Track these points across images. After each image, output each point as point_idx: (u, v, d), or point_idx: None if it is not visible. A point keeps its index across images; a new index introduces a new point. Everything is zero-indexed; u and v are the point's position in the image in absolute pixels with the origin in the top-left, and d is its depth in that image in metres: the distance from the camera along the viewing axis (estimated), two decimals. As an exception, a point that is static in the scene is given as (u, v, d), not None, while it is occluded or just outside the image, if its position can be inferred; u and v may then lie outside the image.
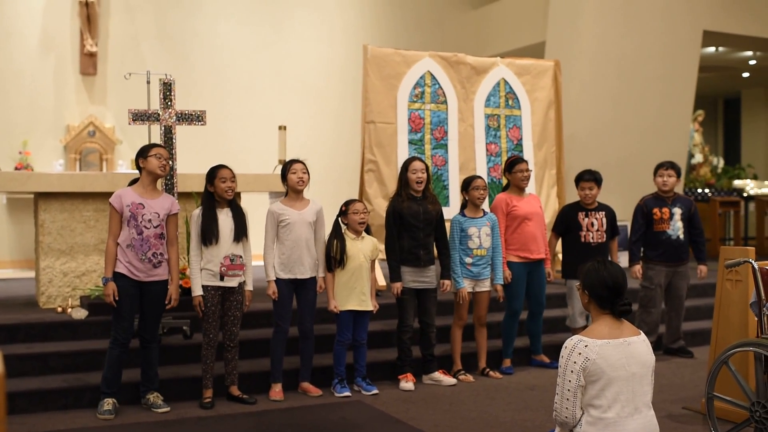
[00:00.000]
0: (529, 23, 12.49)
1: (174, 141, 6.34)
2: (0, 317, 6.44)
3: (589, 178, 6.81)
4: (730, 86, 18.02)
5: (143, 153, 5.41)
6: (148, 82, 6.44)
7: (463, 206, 6.52)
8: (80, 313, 6.44)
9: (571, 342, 3.53)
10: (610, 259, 6.76)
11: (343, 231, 5.99)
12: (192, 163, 8.47)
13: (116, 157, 11.38)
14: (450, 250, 6.33)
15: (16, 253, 11.00)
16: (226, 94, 11.91)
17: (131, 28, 11.67)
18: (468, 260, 6.34)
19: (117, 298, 5.21)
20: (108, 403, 5.27)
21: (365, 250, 5.99)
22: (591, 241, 6.75)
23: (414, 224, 6.14)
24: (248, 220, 5.72)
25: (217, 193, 5.58)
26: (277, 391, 5.79)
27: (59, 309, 6.74)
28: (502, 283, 6.47)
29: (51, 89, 11.30)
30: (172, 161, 6.30)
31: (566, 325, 7.01)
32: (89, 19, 11.21)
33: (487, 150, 8.63)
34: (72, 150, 11.15)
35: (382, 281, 7.76)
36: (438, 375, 6.24)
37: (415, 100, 8.28)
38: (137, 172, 5.55)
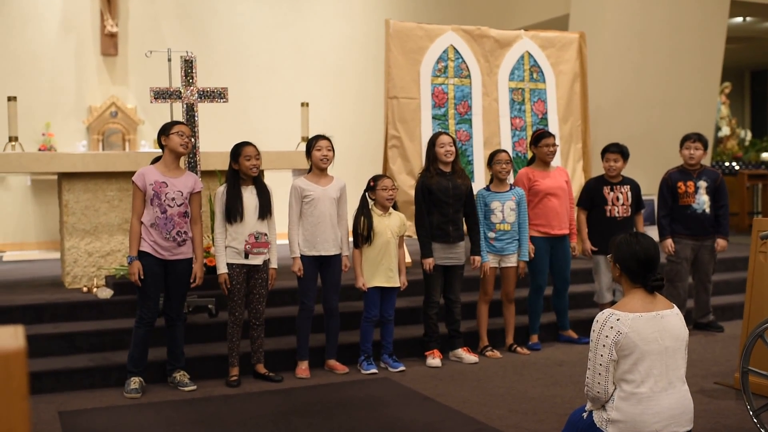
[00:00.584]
0: (552, -5, 12.31)
1: (196, 119, 6.29)
2: (26, 297, 6.46)
3: (615, 149, 6.69)
4: (758, 58, 17.71)
5: (165, 131, 5.38)
6: (170, 60, 6.39)
7: (490, 181, 6.44)
8: (106, 293, 6.44)
9: (603, 316, 3.46)
10: None
11: (370, 207, 5.93)
12: (214, 141, 8.45)
13: (138, 137, 11.38)
14: (478, 225, 6.26)
15: (41, 235, 11.05)
16: (247, 73, 11.86)
17: (151, 8, 11.63)
18: (491, 235, 6.28)
19: (142, 277, 5.19)
20: (135, 382, 5.27)
21: (392, 226, 5.94)
22: (617, 215, 6.65)
23: (443, 200, 6.07)
24: (272, 197, 5.67)
25: (242, 171, 5.53)
26: (303, 368, 5.76)
27: (85, 289, 6.75)
28: (526, 259, 6.39)
29: (72, 70, 11.30)
30: (195, 139, 6.27)
31: (593, 301, 6.93)
32: (109, 0, 11.17)
33: (511, 124, 8.52)
34: (95, 131, 11.16)
35: (408, 258, 7.70)
36: (460, 352, 6.20)
37: (438, 74, 8.18)
38: (160, 150, 5.51)
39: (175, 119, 6.39)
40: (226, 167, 6.97)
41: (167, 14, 11.67)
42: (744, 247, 9.88)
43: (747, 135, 15.64)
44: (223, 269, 5.48)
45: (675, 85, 10.96)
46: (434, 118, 8.09)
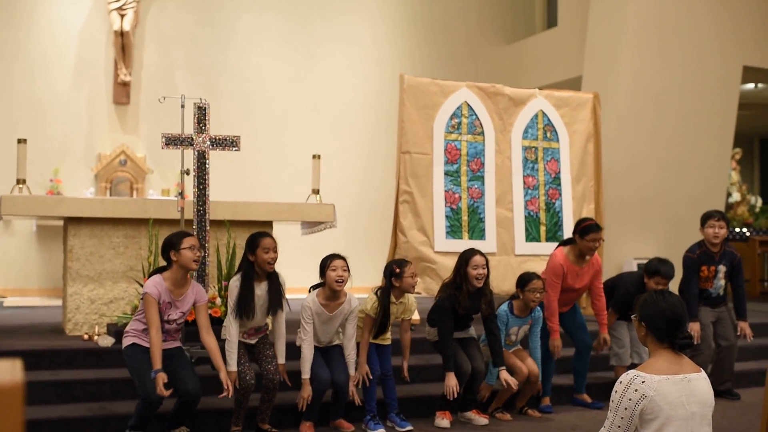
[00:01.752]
0: (564, 57, 12.34)
1: (207, 167, 6.21)
2: (25, 343, 6.32)
3: (665, 273, 6.35)
4: (766, 126, 17.73)
5: (175, 245, 5.09)
6: (183, 107, 6.33)
7: (513, 296, 6.22)
8: (107, 341, 6.29)
9: (627, 377, 3.31)
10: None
11: (388, 300, 5.75)
12: (224, 190, 8.36)
13: (147, 186, 11.31)
14: (498, 337, 5.99)
15: (44, 282, 10.93)
16: (258, 125, 11.85)
17: (165, 58, 11.68)
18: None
19: (161, 394, 4.80)
20: (134, 434, 5.07)
21: (398, 312, 5.85)
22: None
23: (466, 315, 5.98)
24: (284, 288, 5.48)
25: (258, 264, 5.32)
26: (307, 425, 5.56)
27: (86, 336, 6.59)
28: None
29: (84, 118, 11.30)
30: (205, 188, 6.17)
31: (610, 365, 6.75)
32: (124, 49, 11.23)
33: (524, 183, 8.44)
34: (103, 179, 11.11)
35: (416, 316, 7.53)
36: (471, 414, 5.99)
37: (451, 130, 8.12)
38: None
39: (185, 168, 6.29)
40: (234, 217, 6.94)
41: (180, 64, 11.71)
42: (757, 313, 9.72)
43: (757, 201, 15.53)
44: (233, 367, 5.20)
45: (689, 149, 10.91)
46: (447, 174, 8.01)
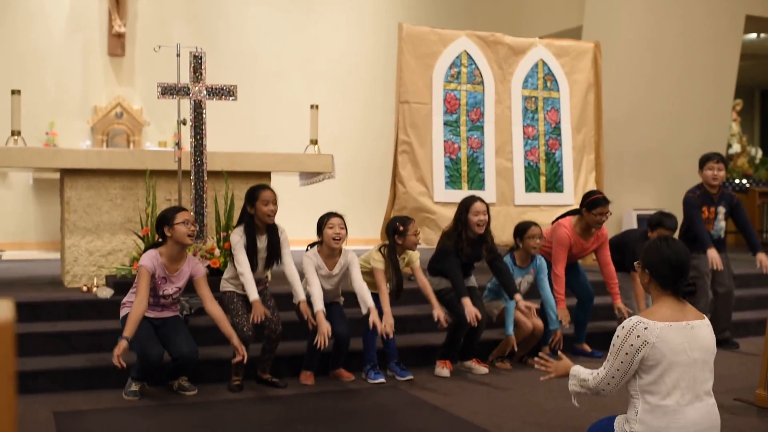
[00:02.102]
0: (564, 7, 12.17)
1: (204, 117, 6.14)
2: (24, 295, 6.29)
3: (668, 225, 6.36)
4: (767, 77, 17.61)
5: (168, 220, 5.06)
6: (178, 55, 6.23)
7: (513, 248, 6.22)
8: (106, 292, 6.26)
9: (630, 323, 3.28)
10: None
11: (396, 257, 5.73)
12: (221, 141, 8.28)
13: (143, 138, 11.22)
14: (506, 265, 6.04)
15: (42, 235, 10.90)
16: (255, 76, 11.71)
17: (160, 9, 11.51)
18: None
19: (123, 366, 4.78)
20: (135, 384, 5.07)
21: (402, 266, 5.85)
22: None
23: (466, 262, 5.96)
24: (287, 242, 5.48)
25: (258, 216, 5.31)
26: (308, 374, 5.56)
27: (84, 288, 6.57)
28: (557, 327, 6.16)
29: (78, 70, 11.17)
30: (203, 138, 6.11)
31: (613, 313, 6.65)
32: (118, 0, 11.05)
33: (524, 133, 8.37)
34: (99, 131, 11.02)
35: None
36: (471, 363, 5.99)
37: (451, 80, 8.03)
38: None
39: (182, 118, 6.22)
40: (232, 167, 6.88)
41: (175, 15, 11.54)
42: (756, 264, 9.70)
43: (757, 153, 15.47)
44: (255, 295, 5.23)
45: (688, 100, 10.81)
46: (446, 124, 7.94)
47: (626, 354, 3.24)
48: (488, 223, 5.91)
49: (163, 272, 5.06)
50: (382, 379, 5.60)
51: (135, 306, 4.92)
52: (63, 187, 6.90)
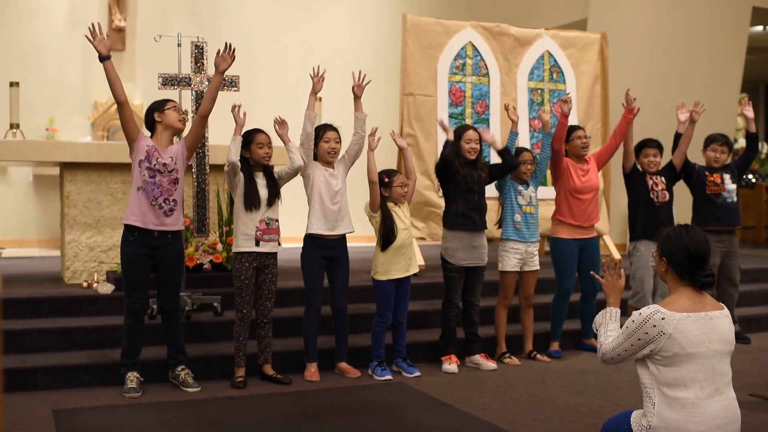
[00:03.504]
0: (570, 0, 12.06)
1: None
2: (23, 291, 6.19)
3: (653, 144, 6.51)
4: (774, 70, 17.48)
5: (159, 107, 5.08)
6: (179, 45, 6.12)
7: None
8: (106, 288, 6.16)
9: (648, 311, 3.17)
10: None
11: (388, 206, 5.63)
12: (223, 134, 8.12)
13: (144, 133, 11.09)
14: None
15: (42, 232, 10.79)
16: (257, 70, 11.55)
17: (160, 2, 11.39)
18: (517, 218, 6.02)
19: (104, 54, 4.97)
20: (132, 380, 4.97)
21: (405, 218, 5.69)
22: (655, 199, 6.41)
23: (469, 187, 5.80)
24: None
25: (253, 159, 5.27)
26: (312, 371, 5.46)
27: (84, 284, 6.46)
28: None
29: (78, 65, 11.04)
30: (204, 130, 5.98)
31: (628, 305, 6.46)
32: (118, -7, 10.96)
33: (530, 125, 8.25)
34: (99, 127, 10.91)
35: (421, 261, 7.41)
36: (478, 358, 5.89)
37: (456, 72, 7.91)
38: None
39: (184, 110, 6.12)
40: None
41: (176, 9, 11.41)
42: (765, 258, 9.62)
43: (763, 148, 15.35)
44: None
45: (695, 93, 10.62)
46: (451, 116, 7.82)
47: (638, 339, 3.15)
48: (480, 152, 5.94)
49: (153, 149, 5.00)
50: (389, 376, 5.50)
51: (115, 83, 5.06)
52: (62, 181, 6.80)
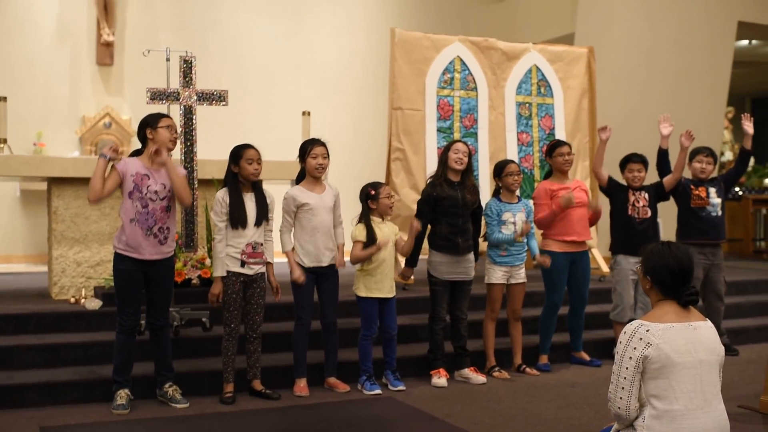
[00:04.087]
0: (557, 14, 12.11)
1: (194, 123, 6.02)
2: (10, 307, 6.15)
3: (637, 159, 6.51)
4: (759, 85, 17.56)
5: (152, 123, 5.00)
6: (168, 60, 6.12)
7: (497, 191, 6.18)
8: (94, 304, 6.13)
9: (631, 327, 3.18)
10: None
11: (371, 223, 5.63)
12: (211, 149, 8.14)
13: (132, 148, 11.03)
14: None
15: (29, 248, 10.72)
16: (246, 85, 11.56)
17: (149, 17, 11.38)
18: (502, 246, 6.00)
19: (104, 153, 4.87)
20: (122, 397, 4.94)
21: (389, 235, 5.67)
22: (636, 216, 6.41)
23: (453, 211, 5.79)
24: (274, 204, 5.41)
25: (242, 175, 5.23)
26: (301, 386, 5.45)
27: (72, 300, 6.43)
28: (537, 251, 6.18)
29: (66, 79, 11.02)
30: (193, 144, 5.99)
31: (609, 319, 6.56)
32: (106, 8, 10.95)
33: (518, 139, 8.27)
34: (87, 142, 10.87)
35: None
36: (468, 372, 5.89)
37: (444, 86, 7.94)
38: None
39: (161, 113, 6.11)
40: (223, 176, 6.74)
41: (164, 24, 11.40)
42: (752, 271, 9.66)
43: (750, 161, 15.43)
44: (221, 272, 5.17)
45: (682, 107, 10.73)
46: (439, 130, 7.84)
47: (630, 358, 3.13)
48: (469, 165, 5.91)
49: (144, 170, 4.94)
50: (378, 390, 5.48)
51: (95, 182, 4.85)
52: (50, 196, 6.77)
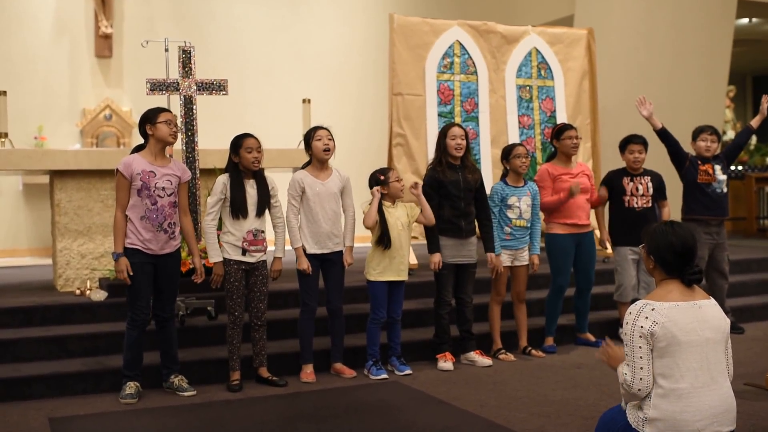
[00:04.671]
0: (556, -5, 12.08)
1: (194, 113, 6.02)
2: (16, 300, 6.17)
3: (638, 141, 6.46)
4: (760, 63, 17.49)
5: (150, 119, 5.00)
6: (167, 50, 6.12)
7: (504, 175, 6.17)
8: (99, 295, 6.15)
9: (636, 307, 3.18)
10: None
11: (384, 210, 5.63)
12: (212, 138, 8.14)
13: (133, 140, 11.05)
14: (491, 221, 5.98)
15: (33, 241, 10.75)
16: (245, 74, 11.56)
17: (147, 9, 11.36)
18: (507, 230, 6.01)
19: (131, 274, 4.87)
20: (130, 387, 4.96)
21: (401, 217, 5.66)
22: (635, 206, 6.38)
23: (455, 193, 5.79)
24: (276, 191, 5.40)
25: (243, 164, 5.23)
26: (308, 372, 5.46)
27: (77, 291, 6.45)
28: (538, 252, 6.14)
29: (66, 73, 11.01)
30: (194, 134, 5.99)
31: (614, 300, 6.57)
32: (104, 0, 10.91)
33: (519, 122, 8.25)
34: (88, 134, 10.88)
35: (414, 260, 7.42)
36: (473, 355, 5.90)
37: (444, 70, 7.92)
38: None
39: (160, 107, 6.12)
40: (224, 165, 6.75)
41: (163, 15, 11.38)
42: (756, 249, 9.66)
43: (752, 139, 15.40)
44: (217, 257, 5.19)
45: (681, 87, 10.71)
46: (440, 115, 7.82)
47: (640, 337, 3.12)
48: (467, 148, 5.90)
49: (148, 167, 4.95)
50: (385, 375, 5.50)
51: (117, 218, 4.91)
52: (53, 189, 6.78)
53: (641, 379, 3.13)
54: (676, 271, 3.22)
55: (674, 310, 3.13)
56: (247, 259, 5.23)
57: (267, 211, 5.33)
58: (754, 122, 6.96)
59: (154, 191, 4.92)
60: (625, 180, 6.44)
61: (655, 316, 3.11)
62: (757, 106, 7.14)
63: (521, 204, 6.04)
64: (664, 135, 6.74)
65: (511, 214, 6.01)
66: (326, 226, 5.44)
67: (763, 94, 7.15)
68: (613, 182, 6.49)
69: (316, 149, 5.47)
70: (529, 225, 6.09)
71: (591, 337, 6.45)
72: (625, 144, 6.52)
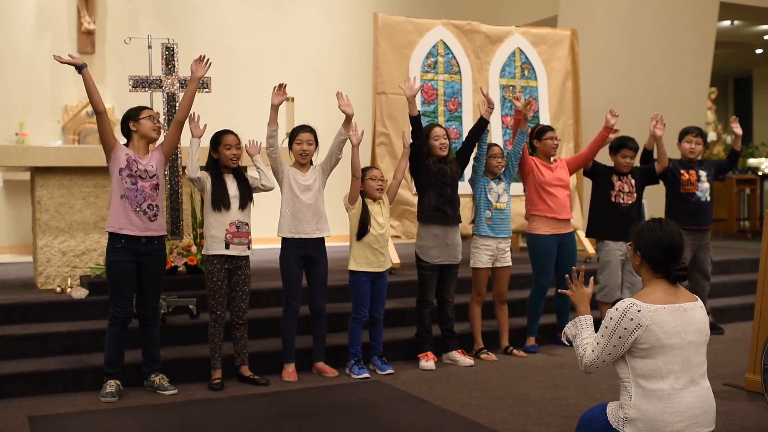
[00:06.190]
0: (539, -4, 12.12)
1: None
2: (-4, 298, 6.12)
3: (633, 146, 6.50)
4: (741, 65, 17.64)
5: (133, 116, 5.05)
6: (150, 47, 6.08)
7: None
8: (80, 293, 6.11)
9: (623, 305, 3.19)
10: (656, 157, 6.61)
11: (366, 201, 5.65)
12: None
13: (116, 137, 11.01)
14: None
15: (13, 238, 10.66)
16: (229, 72, 11.49)
17: (130, 4, 11.30)
18: (487, 214, 6.06)
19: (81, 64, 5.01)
20: (111, 385, 4.93)
21: (383, 213, 5.69)
22: (621, 202, 6.44)
23: (442, 181, 5.82)
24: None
25: (222, 161, 5.26)
26: (290, 371, 5.46)
27: (58, 289, 6.41)
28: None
29: (47, 69, 10.91)
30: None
31: (596, 300, 6.55)
32: (86, -4, 10.86)
33: (502, 122, 8.28)
34: (70, 131, 10.81)
35: (396, 259, 7.43)
36: (455, 354, 5.92)
37: (427, 70, 7.93)
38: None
39: (141, 106, 6.10)
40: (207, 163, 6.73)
41: (146, 11, 11.33)
42: (737, 250, 9.74)
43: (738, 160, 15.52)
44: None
45: (665, 88, 10.78)
46: (423, 114, 7.81)
47: (620, 338, 3.15)
48: (450, 147, 5.99)
49: (134, 155, 4.99)
50: (366, 374, 5.50)
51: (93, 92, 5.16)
52: (34, 186, 6.74)
53: (597, 367, 3.25)
54: (662, 268, 3.24)
55: (660, 312, 3.14)
56: (231, 252, 5.22)
57: (250, 204, 5.34)
58: (736, 146, 6.98)
59: (135, 171, 4.93)
60: (614, 177, 6.50)
61: (640, 319, 3.12)
62: (739, 108, 7.20)
63: (500, 190, 6.12)
64: (649, 158, 6.77)
65: (491, 197, 6.09)
66: (303, 214, 5.44)
67: (743, 96, 7.21)
68: (604, 176, 6.54)
69: (294, 151, 5.56)
70: (508, 209, 6.15)
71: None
72: (620, 147, 6.51)
